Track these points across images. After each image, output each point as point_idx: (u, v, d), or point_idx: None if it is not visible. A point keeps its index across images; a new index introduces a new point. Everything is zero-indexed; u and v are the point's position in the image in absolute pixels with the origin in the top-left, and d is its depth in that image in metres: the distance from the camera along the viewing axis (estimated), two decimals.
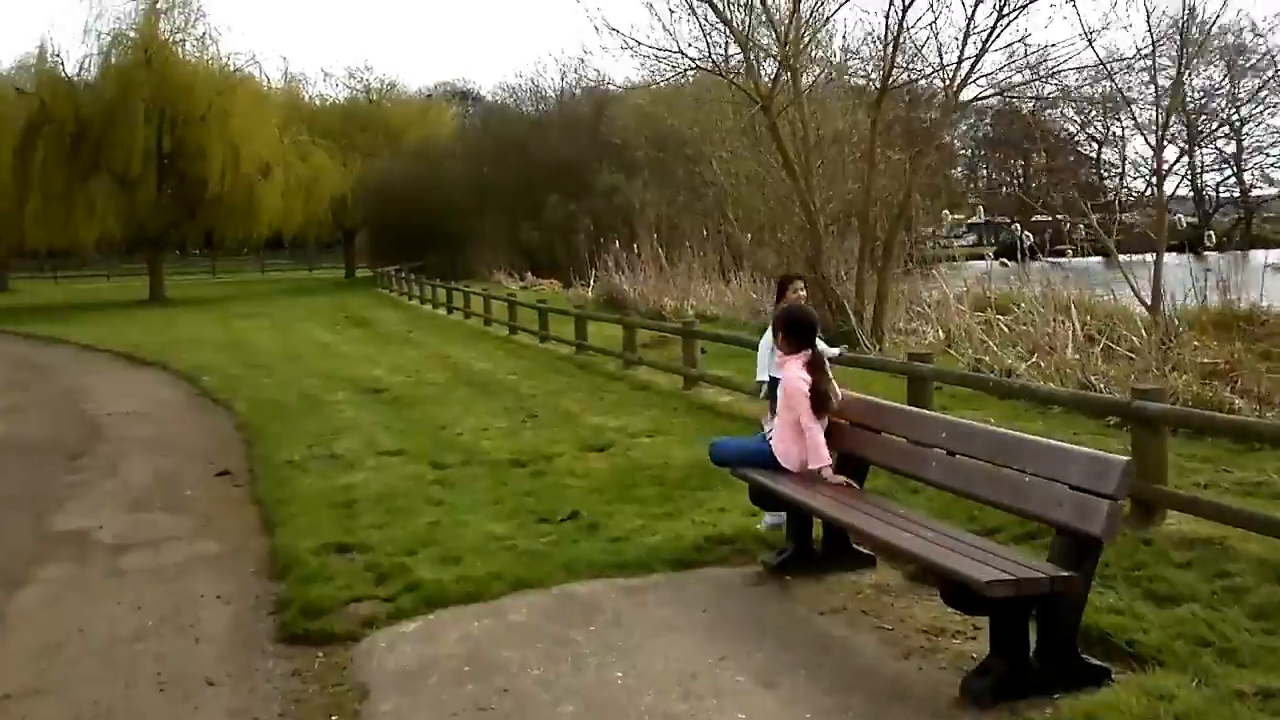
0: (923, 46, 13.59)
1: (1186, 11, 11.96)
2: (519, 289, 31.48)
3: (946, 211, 22.17)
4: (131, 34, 38.33)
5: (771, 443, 5.82)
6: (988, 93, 15.04)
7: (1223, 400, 8.23)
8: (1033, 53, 13.90)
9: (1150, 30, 12.43)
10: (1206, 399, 8.08)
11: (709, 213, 23.72)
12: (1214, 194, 56.89)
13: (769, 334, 8.38)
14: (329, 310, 31.10)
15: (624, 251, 25.24)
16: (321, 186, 43.81)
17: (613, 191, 37.51)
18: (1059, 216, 16.95)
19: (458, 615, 5.34)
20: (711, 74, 15.21)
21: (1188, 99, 12.82)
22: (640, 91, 26.16)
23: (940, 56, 13.94)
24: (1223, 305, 13.21)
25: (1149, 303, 11.43)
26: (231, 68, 40.18)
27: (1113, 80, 13.17)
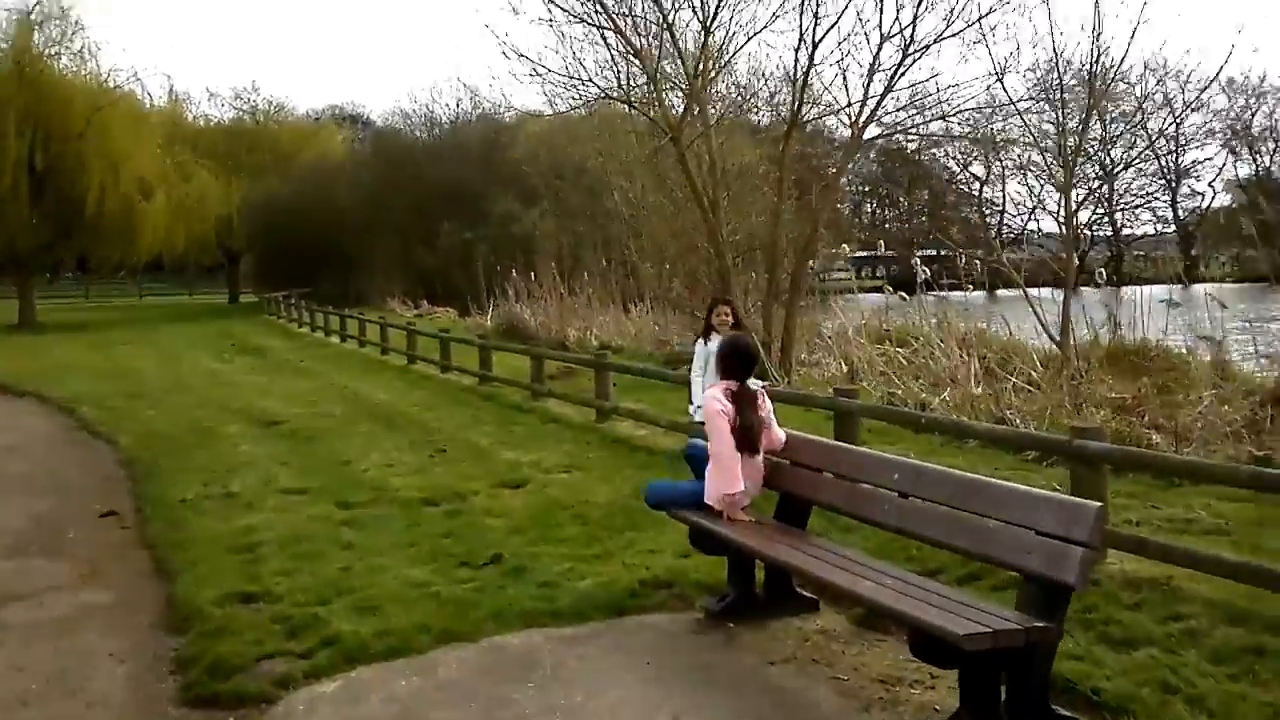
0: (830, 84, 13.68)
1: (1095, 58, 12.26)
2: (413, 316, 30.80)
3: (845, 245, 22.43)
4: (2, 44, 36.55)
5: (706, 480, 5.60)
6: (889, 131, 15.25)
7: (1140, 435, 8.34)
8: (935, 94, 14.11)
9: (1057, 69, 12.66)
10: (1124, 435, 8.16)
11: (610, 242, 23.59)
12: (1089, 232, 59.53)
13: (696, 363, 8.26)
14: (215, 337, 29.93)
15: (524, 280, 24.90)
16: (206, 207, 42.40)
17: (509, 220, 37.14)
18: (958, 251, 17.24)
19: (382, 673, 4.95)
20: (621, 103, 15.09)
21: (1069, 142, 13.22)
22: (539, 120, 26.05)
23: (847, 93, 14.08)
24: (1114, 341, 13.57)
25: (1057, 338, 11.59)
26: (111, 84, 38.66)
27: (1021, 117, 13.40)
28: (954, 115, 13.87)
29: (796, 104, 14.04)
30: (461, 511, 8.08)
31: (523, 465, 9.74)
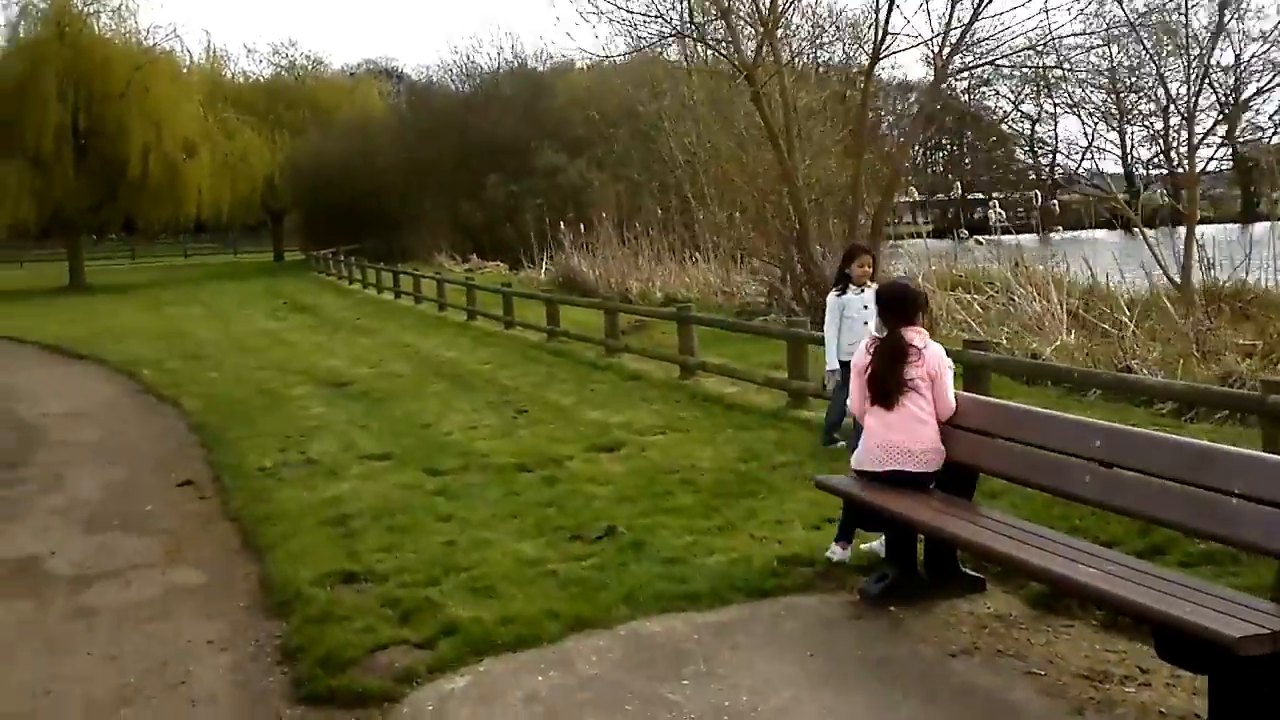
0: (911, 18, 12.84)
1: None
2: (463, 271, 30.33)
3: (913, 189, 21.63)
4: (41, 4, 36.18)
5: (866, 444, 5.04)
6: (978, 62, 14.43)
7: None
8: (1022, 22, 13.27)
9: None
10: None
11: (667, 190, 22.88)
12: (1145, 171, 57.84)
13: (830, 317, 7.61)
14: (265, 296, 29.65)
15: (577, 232, 24.30)
16: (251, 166, 42.01)
17: (554, 171, 36.50)
18: (1053, 191, 16.43)
19: (514, 665, 4.46)
20: (696, 40, 14.35)
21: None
22: (579, 70, 25.25)
23: (931, 25, 13.28)
24: (1207, 282, 12.75)
25: (1178, 280, 10.84)
26: (151, 42, 38.26)
27: (1130, 40, 12.47)
28: (1054, 43, 12.95)
29: (881, 35, 13.26)
30: (559, 478, 7.57)
31: (612, 427, 9.22)
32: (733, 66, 13.96)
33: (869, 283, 7.49)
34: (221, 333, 19.98)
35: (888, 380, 5.03)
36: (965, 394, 5.03)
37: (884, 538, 5.06)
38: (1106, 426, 4.28)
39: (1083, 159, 59.13)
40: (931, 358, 4.97)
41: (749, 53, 13.78)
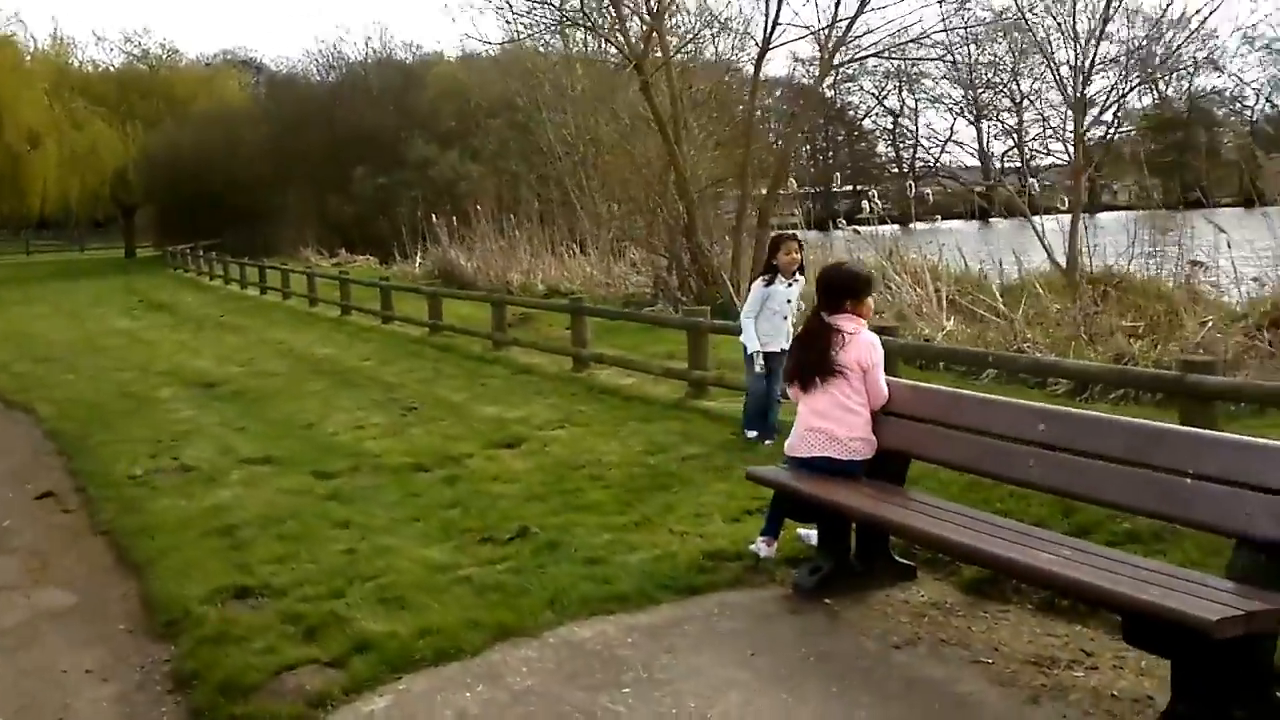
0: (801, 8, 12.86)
1: None
2: (331, 266, 29.30)
3: (793, 180, 21.78)
4: None
5: (796, 428, 4.87)
6: (864, 53, 14.53)
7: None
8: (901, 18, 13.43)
9: None
10: (1166, 365, 7.66)
11: (548, 182, 22.53)
12: (999, 164, 60.09)
13: (750, 306, 7.45)
14: (119, 293, 28.10)
15: (453, 225, 23.72)
16: (101, 158, 39.85)
17: (426, 163, 35.69)
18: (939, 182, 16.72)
19: (438, 682, 4.13)
20: (584, 28, 14.06)
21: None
22: (456, 62, 24.62)
23: (818, 16, 13.33)
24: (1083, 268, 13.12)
25: (1063, 265, 11.09)
26: None
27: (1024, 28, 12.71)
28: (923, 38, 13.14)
29: (770, 26, 13.22)
30: (460, 477, 7.22)
31: (510, 422, 8.89)
32: (622, 55, 13.72)
33: (797, 274, 7.37)
34: (74, 333, 18.77)
35: (804, 365, 4.92)
36: (900, 380, 4.91)
37: (816, 528, 4.90)
38: (1050, 409, 4.20)
39: (941, 151, 60.91)
40: (861, 344, 4.83)
41: (638, 42, 13.56)
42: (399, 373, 11.98)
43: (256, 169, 38.55)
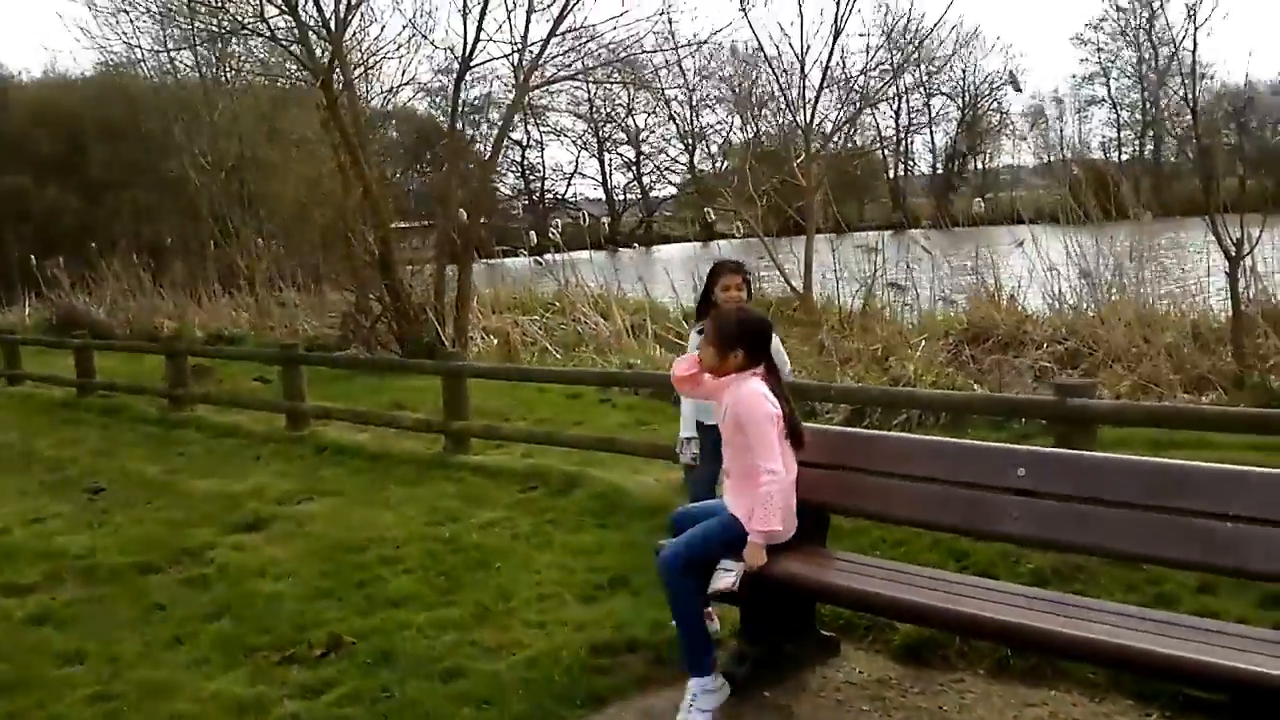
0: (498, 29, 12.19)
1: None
2: None
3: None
4: None
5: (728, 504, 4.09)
6: (560, 75, 14.06)
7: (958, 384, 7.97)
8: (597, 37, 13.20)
9: None
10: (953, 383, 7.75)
11: (198, 215, 20.19)
12: (621, 195, 62.48)
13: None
14: None
15: (80, 266, 20.66)
16: None
17: (19, 195, 31.13)
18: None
19: None
20: (265, 37, 12.44)
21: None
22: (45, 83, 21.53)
23: (512, 36, 12.75)
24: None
25: (800, 290, 11.13)
26: None
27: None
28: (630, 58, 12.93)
29: (470, 47, 12.40)
30: (210, 577, 5.78)
31: (240, 497, 7.41)
32: (303, 69, 12.31)
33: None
34: None
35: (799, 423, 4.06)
36: (822, 426, 4.32)
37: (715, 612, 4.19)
38: (1032, 451, 3.75)
39: (569, 185, 62.31)
40: (736, 403, 3.93)
41: (320, 57, 12.23)
42: (58, 445, 9.87)
43: None
